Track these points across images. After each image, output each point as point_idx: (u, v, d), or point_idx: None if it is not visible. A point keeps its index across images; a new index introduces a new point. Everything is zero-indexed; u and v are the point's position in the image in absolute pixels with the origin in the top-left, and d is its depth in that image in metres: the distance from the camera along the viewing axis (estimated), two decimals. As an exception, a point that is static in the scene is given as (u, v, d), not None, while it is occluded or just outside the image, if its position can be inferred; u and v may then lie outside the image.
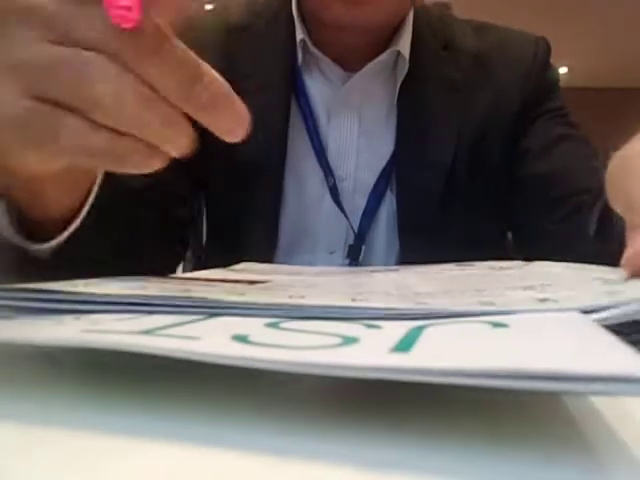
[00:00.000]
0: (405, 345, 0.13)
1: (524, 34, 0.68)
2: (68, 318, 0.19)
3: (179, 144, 0.24)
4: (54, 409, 0.15)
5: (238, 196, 0.60)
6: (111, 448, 0.12)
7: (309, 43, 0.60)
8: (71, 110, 0.23)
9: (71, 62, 0.22)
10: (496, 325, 0.16)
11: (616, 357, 0.12)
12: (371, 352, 0.13)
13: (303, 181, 0.61)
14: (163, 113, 0.23)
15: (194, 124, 0.24)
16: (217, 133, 0.24)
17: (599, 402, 0.15)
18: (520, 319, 0.17)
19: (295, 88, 0.61)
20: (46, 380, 0.17)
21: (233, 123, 0.24)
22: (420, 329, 0.16)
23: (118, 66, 0.22)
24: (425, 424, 0.14)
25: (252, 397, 0.15)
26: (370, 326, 0.16)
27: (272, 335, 0.15)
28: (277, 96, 0.60)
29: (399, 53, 0.60)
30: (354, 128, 0.61)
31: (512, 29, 0.69)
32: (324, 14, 0.55)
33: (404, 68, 0.60)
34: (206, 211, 0.68)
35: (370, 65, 0.59)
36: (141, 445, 0.12)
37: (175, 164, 0.25)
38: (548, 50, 0.67)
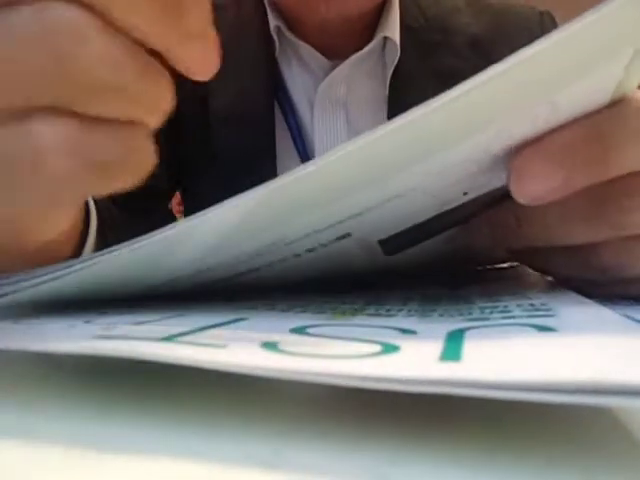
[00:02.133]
0: (453, 353, 0.12)
1: (525, 10, 0.60)
2: (78, 322, 0.17)
3: (163, 105, 0.16)
4: (52, 418, 0.13)
5: (220, 197, 0.56)
6: (112, 461, 0.11)
7: (285, 29, 0.53)
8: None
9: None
10: (541, 329, 0.14)
11: None
12: (419, 361, 0.11)
13: None
14: (144, 63, 0.15)
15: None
16: (189, 70, 0.16)
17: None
18: (564, 322, 0.15)
19: (274, 81, 0.54)
20: (43, 384, 0.16)
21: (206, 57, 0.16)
22: (460, 333, 0.14)
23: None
24: (428, 426, 0.12)
25: (252, 402, 0.14)
26: (405, 331, 0.15)
27: (303, 342, 0.13)
28: (256, 91, 0.53)
29: (387, 38, 0.53)
30: (341, 125, 0.54)
31: (510, 3, 0.60)
32: (301, 11, 0.50)
33: (395, 55, 0.53)
34: (184, 211, 0.64)
35: (356, 55, 0.53)
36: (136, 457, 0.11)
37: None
38: (555, 28, 0.60)
